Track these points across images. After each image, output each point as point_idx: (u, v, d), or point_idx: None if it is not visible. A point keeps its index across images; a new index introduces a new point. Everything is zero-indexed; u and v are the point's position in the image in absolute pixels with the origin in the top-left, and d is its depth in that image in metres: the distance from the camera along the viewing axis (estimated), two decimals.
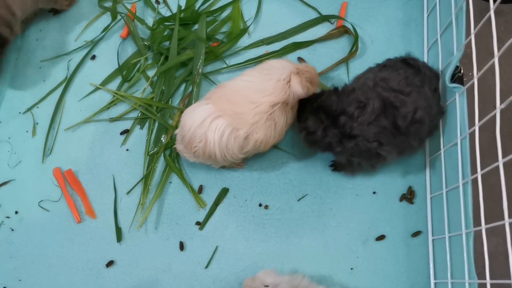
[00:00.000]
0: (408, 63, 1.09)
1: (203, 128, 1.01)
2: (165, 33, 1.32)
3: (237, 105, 1.02)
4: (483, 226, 0.88)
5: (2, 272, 1.16)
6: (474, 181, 0.96)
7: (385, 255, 1.16)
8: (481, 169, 0.91)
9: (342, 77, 1.30)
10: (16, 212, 1.20)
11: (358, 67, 1.29)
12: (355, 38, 1.30)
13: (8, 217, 1.20)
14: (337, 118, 1.00)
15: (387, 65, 1.12)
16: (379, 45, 1.34)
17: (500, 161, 0.82)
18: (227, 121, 1.00)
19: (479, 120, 0.92)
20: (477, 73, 0.94)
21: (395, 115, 1.00)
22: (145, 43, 1.32)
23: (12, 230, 1.19)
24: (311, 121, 1.03)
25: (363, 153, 1.04)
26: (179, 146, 1.11)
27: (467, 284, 0.95)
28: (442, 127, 1.14)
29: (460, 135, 1.02)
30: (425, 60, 1.30)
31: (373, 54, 1.32)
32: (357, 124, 0.99)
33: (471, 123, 0.97)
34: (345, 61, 1.30)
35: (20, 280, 1.15)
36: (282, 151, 1.23)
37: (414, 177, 1.21)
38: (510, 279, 0.81)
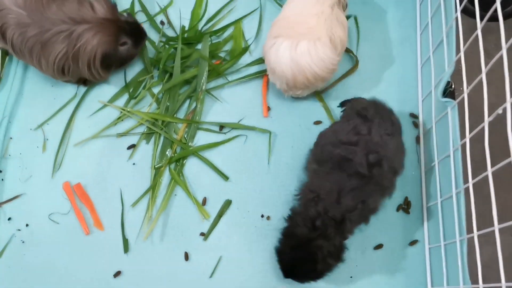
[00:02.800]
0: (358, 113, 1.11)
1: (295, 63, 1.13)
2: (170, 52, 1.38)
3: (307, 22, 1.14)
4: (475, 233, 0.93)
5: (13, 284, 1.19)
6: (468, 191, 1.00)
7: (383, 263, 1.20)
8: (473, 179, 0.96)
9: (340, 94, 1.35)
10: (27, 225, 1.24)
11: (356, 82, 1.36)
12: (355, 58, 1.37)
13: (19, 230, 1.24)
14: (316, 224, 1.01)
15: (344, 116, 1.18)
16: (376, 63, 1.39)
17: (489, 171, 0.87)
18: (307, 38, 1.12)
19: (470, 132, 0.97)
20: (467, 88, 1.00)
21: (353, 166, 1.02)
22: (150, 62, 1.38)
23: (23, 242, 1.23)
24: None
25: (360, 219, 1.07)
26: (292, 92, 1.26)
27: None
28: (436, 140, 1.19)
29: (453, 147, 1.07)
30: (418, 76, 1.36)
31: (370, 71, 1.38)
32: (335, 208, 1.01)
33: (463, 135, 1.03)
34: (346, 77, 1.36)
35: None
36: (284, 164, 1.28)
37: (410, 188, 1.25)
38: (501, 284, 0.85)
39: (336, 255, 1.04)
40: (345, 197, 1.01)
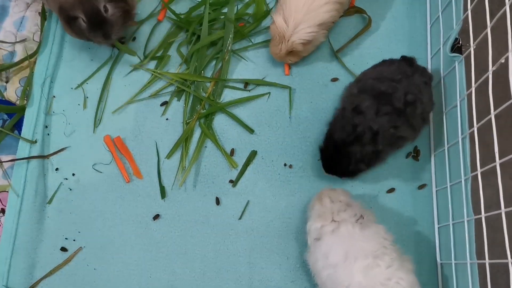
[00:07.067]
0: (404, 58, 1.26)
1: None
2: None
3: None
4: (479, 170, 1.05)
5: (63, 226, 1.34)
6: (472, 138, 1.12)
7: (395, 205, 1.33)
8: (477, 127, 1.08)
9: (354, 52, 1.46)
10: (73, 174, 1.38)
11: (369, 41, 1.46)
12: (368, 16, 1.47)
13: (66, 179, 1.37)
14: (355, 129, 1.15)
15: (386, 61, 1.29)
16: (387, 23, 1.49)
17: (492, 114, 0.98)
18: None
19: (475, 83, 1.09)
20: (473, 42, 1.10)
21: (390, 100, 1.15)
22: (179, 24, 1.48)
23: (70, 189, 1.37)
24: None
25: (391, 142, 1.19)
26: None
27: (465, 222, 1.12)
28: (444, 93, 1.31)
29: (459, 97, 1.19)
30: (428, 35, 1.46)
31: (382, 31, 1.48)
32: (371, 121, 1.14)
33: (468, 87, 1.14)
34: (359, 36, 1.46)
35: (79, 232, 1.33)
36: (303, 118, 1.40)
37: (419, 138, 1.36)
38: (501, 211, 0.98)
39: (368, 161, 1.18)
40: (381, 118, 1.14)
